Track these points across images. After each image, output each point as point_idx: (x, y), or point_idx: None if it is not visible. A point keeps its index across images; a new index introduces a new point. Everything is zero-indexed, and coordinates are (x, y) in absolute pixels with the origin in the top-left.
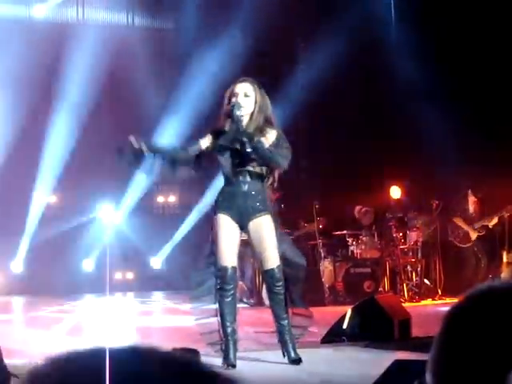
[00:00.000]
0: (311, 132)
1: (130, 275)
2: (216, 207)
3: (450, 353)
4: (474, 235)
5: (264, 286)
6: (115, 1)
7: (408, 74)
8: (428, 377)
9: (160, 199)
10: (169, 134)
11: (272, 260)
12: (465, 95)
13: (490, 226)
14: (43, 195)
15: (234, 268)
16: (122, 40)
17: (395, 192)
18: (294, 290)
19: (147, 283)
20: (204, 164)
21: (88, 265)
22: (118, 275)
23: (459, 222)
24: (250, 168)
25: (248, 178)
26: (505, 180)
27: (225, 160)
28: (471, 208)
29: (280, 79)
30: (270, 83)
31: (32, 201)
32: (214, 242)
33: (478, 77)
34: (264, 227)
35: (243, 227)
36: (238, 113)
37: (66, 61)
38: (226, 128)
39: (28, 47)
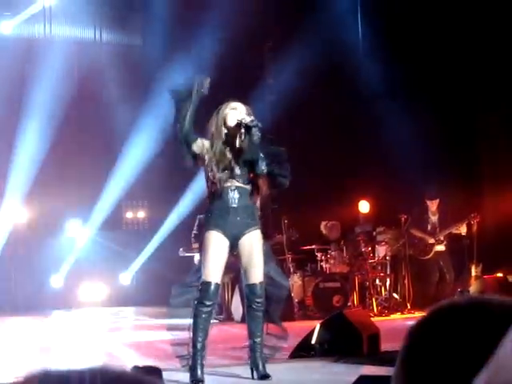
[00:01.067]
0: (280, 145)
1: (99, 291)
2: (207, 224)
3: (412, 369)
4: (434, 245)
5: (233, 301)
6: (82, 17)
7: (378, 86)
8: None
9: (129, 214)
10: (137, 149)
11: (257, 276)
12: (431, 109)
13: (463, 233)
14: (11, 211)
15: (217, 285)
16: (89, 56)
17: (364, 206)
18: (274, 308)
19: (116, 299)
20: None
21: (56, 281)
22: (87, 291)
23: (417, 232)
24: (239, 184)
25: (237, 194)
26: (467, 189)
27: (214, 175)
28: (433, 218)
29: (248, 94)
30: (238, 98)
31: None
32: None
33: (446, 90)
34: (254, 242)
35: (234, 243)
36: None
37: (34, 76)
38: (218, 142)
39: None
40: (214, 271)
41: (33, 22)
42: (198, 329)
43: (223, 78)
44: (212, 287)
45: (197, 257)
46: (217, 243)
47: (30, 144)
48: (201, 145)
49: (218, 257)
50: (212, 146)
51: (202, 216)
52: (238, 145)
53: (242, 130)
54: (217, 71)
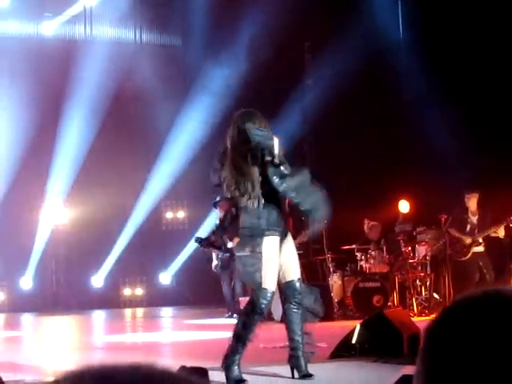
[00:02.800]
0: (320, 146)
1: (139, 291)
2: (269, 228)
3: (432, 365)
4: (472, 246)
5: (273, 301)
6: (123, 18)
7: (417, 87)
8: None
9: (169, 215)
10: (177, 149)
11: (294, 272)
12: (474, 109)
13: (501, 237)
14: (52, 212)
15: (273, 292)
16: (129, 56)
17: (404, 206)
18: (317, 298)
19: (156, 299)
20: None
21: (97, 280)
22: (127, 291)
23: (454, 232)
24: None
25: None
26: (508, 188)
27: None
28: (473, 218)
29: (288, 93)
30: (278, 99)
31: (41, 218)
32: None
33: (488, 93)
34: (291, 244)
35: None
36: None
37: (75, 77)
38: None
39: (37, 64)
40: (273, 279)
41: (74, 23)
42: (248, 331)
43: (262, 78)
44: (269, 294)
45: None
46: (277, 250)
47: (71, 144)
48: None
49: (277, 264)
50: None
51: (216, 224)
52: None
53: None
54: (256, 71)
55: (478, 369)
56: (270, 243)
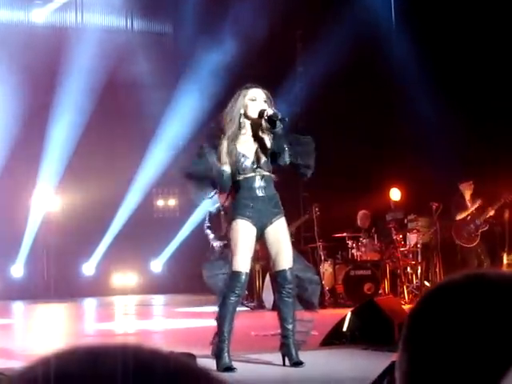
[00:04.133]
0: (310, 134)
1: (130, 279)
2: (234, 213)
3: (414, 351)
4: (479, 232)
5: (264, 289)
6: (114, 5)
7: (409, 75)
8: (396, 374)
9: (160, 202)
10: (168, 136)
11: (286, 261)
12: (465, 98)
13: (492, 215)
14: (43, 200)
15: (247, 274)
16: (120, 44)
17: (395, 194)
18: (313, 289)
19: (148, 286)
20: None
21: (88, 268)
22: (119, 279)
23: (463, 214)
24: (265, 172)
25: (263, 183)
26: (501, 175)
27: (240, 165)
28: (470, 205)
29: (279, 81)
30: (268, 86)
31: (32, 205)
32: (228, 246)
33: (479, 81)
34: (281, 230)
35: (261, 232)
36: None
37: (66, 64)
38: (241, 132)
39: (27, 51)
40: (243, 261)
41: (64, 11)
42: (227, 317)
43: (254, 65)
44: (243, 277)
45: (215, 242)
46: (245, 232)
47: (62, 131)
48: (227, 169)
49: (247, 246)
50: (231, 137)
51: (211, 210)
52: (261, 135)
53: (263, 122)
54: (247, 59)
55: (459, 353)
56: (234, 227)
